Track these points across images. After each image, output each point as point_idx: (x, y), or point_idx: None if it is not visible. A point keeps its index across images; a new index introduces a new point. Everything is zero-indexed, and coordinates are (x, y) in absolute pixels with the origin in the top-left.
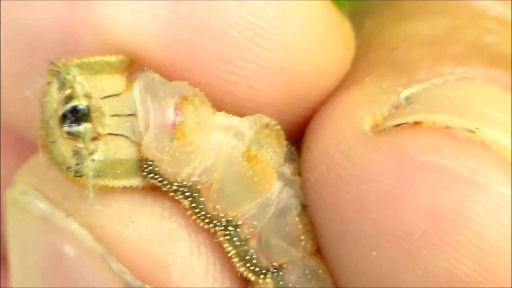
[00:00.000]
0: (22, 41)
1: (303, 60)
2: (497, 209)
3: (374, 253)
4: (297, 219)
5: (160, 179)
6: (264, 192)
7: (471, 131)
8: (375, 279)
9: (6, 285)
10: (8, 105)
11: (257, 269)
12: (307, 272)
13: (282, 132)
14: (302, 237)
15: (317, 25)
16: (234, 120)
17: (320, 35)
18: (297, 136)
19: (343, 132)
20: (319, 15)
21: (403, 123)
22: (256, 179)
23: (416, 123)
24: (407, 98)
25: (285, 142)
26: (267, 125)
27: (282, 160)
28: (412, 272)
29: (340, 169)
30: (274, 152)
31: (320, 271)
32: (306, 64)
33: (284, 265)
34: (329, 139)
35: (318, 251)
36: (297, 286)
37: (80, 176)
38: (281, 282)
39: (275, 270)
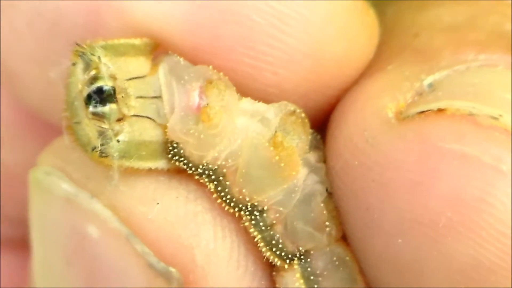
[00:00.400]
0: (44, 25)
1: (327, 47)
2: None
3: (399, 240)
4: (322, 205)
5: (185, 161)
6: (290, 178)
7: (495, 118)
8: (401, 266)
9: (27, 269)
10: (31, 89)
11: (283, 253)
12: (334, 259)
13: (307, 120)
14: (327, 223)
15: (342, 12)
16: (260, 106)
17: (344, 22)
18: (321, 123)
19: (367, 120)
20: (343, 2)
21: (427, 110)
22: (282, 164)
23: (440, 110)
24: (430, 85)
25: (310, 130)
26: (293, 112)
27: (307, 147)
28: (437, 259)
29: (365, 157)
30: (299, 139)
31: (347, 258)
32: (330, 51)
33: (312, 252)
34: (353, 127)
35: (344, 238)
36: (325, 273)
37: (105, 156)
38: (309, 269)
39: (302, 257)
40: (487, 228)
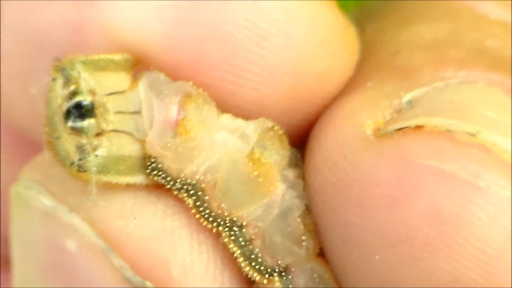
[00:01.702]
0: (29, 41)
1: (308, 64)
2: (498, 212)
3: (377, 256)
4: (298, 219)
5: (163, 175)
6: (268, 193)
7: (472, 135)
8: (379, 283)
9: (7, 285)
10: (14, 105)
11: (262, 268)
12: (315, 276)
13: (285, 136)
14: (304, 237)
15: (322, 29)
16: (240, 122)
17: (325, 39)
18: (301, 140)
19: (345, 137)
20: (324, 19)
21: (405, 127)
22: (260, 180)
23: (418, 127)
24: (409, 102)
25: (289, 147)
26: (271, 128)
27: (285, 163)
28: (415, 275)
29: (343, 174)
30: (277, 154)
31: (327, 275)
32: (310, 68)
33: (293, 269)
34: (332, 144)
35: (322, 255)
36: None
37: (83, 171)
38: (290, 286)
39: (283, 274)
40: (465, 244)
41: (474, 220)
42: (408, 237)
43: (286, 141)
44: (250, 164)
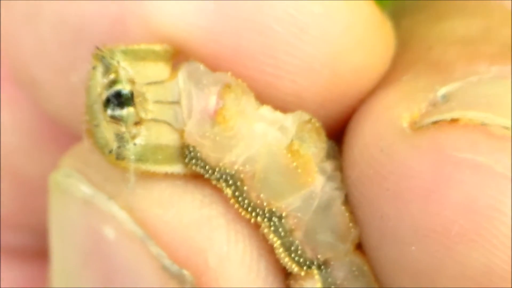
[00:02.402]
0: (69, 33)
1: (345, 57)
2: None
3: (413, 248)
4: (343, 207)
5: (202, 164)
6: (307, 184)
7: (507, 128)
8: (414, 274)
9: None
10: (52, 96)
11: (301, 260)
12: (354, 269)
13: (322, 129)
14: (351, 224)
15: (360, 23)
16: (278, 114)
17: (362, 33)
18: (338, 133)
19: (381, 130)
20: (362, 14)
21: (441, 120)
22: (299, 171)
23: (453, 120)
24: (444, 96)
25: (326, 138)
26: (308, 121)
27: (323, 155)
28: (450, 266)
29: (380, 166)
30: (315, 147)
31: (365, 268)
32: (348, 62)
33: (332, 262)
34: (368, 137)
35: (360, 247)
36: (345, 283)
37: (122, 159)
38: (329, 279)
39: (322, 266)
40: (499, 235)
41: (508, 212)
42: (443, 229)
43: (323, 134)
44: (289, 155)
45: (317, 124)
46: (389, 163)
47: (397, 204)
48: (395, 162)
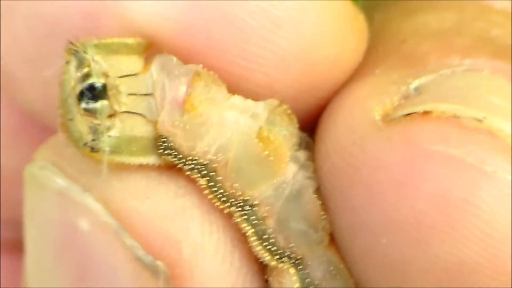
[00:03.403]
0: (43, 27)
1: (318, 50)
2: (504, 196)
3: (384, 240)
4: (314, 195)
5: (175, 153)
6: (279, 171)
7: (479, 121)
8: (385, 266)
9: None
10: (26, 90)
11: (274, 248)
12: (331, 268)
13: (293, 115)
14: (322, 213)
15: (333, 17)
16: (250, 102)
17: (335, 26)
18: (311, 126)
19: (354, 122)
20: (335, 7)
21: (413, 113)
22: (271, 158)
23: (426, 113)
24: (417, 89)
25: (297, 124)
26: (279, 105)
27: (295, 140)
28: (422, 258)
29: (352, 158)
30: (287, 130)
31: (341, 266)
32: (320, 54)
33: (309, 262)
34: (341, 129)
35: (334, 241)
36: (323, 282)
37: (97, 151)
38: (307, 280)
39: (299, 267)
40: (471, 228)
41: (480, 205)
42: (415, 221)
43: (294, 120)
44: (260, 144)
45: (288, 110)
46: (361, 155)
47: (369, 196)
48: (367, 154)
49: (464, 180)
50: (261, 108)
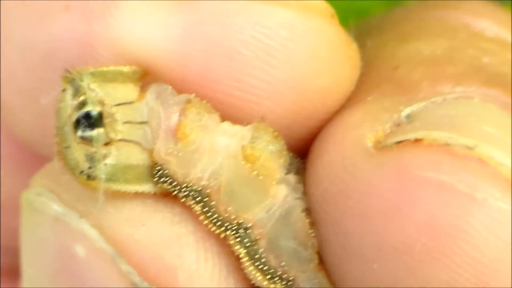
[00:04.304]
0: (37, 57)
1: (311, 80)
2: (495, 223)
3: (375, 265)
4: (303, 214)
5: (170, 181)
6: (271, 189)
7: (470, 148)
8: None
9: None
10: (23, 121)
11: (265, 268)
12: None
13: (278, 134)
14: (311, 231)
15: (326, 46)
16: (238, 127)
17: (328, 56)
18: (303, 153)
19: (346, 149)
20: (327, 36)
21: (405, 140)
22: (261, 177)
23: (417, 140)
24: (408, 116)
25: (283, 141)
26: (261, 121)
27: (284, 158)
28: (412, 284)
29: (344, 184)
30: (273, 146)
31: None
32: (313, 84)
33: (301, 284)
34: (333, 156)
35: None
36: None
37: (93, 179)
38: None
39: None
40: (462, 254)
41: (471, 231)
42: (406, 247)
43: (280, 138)
44: (248, 165)
45: (272, 129)
46: (353, 181)
47: (361, 221)
48: (359, 180)
49: (455, 206)
50: (247, 130)
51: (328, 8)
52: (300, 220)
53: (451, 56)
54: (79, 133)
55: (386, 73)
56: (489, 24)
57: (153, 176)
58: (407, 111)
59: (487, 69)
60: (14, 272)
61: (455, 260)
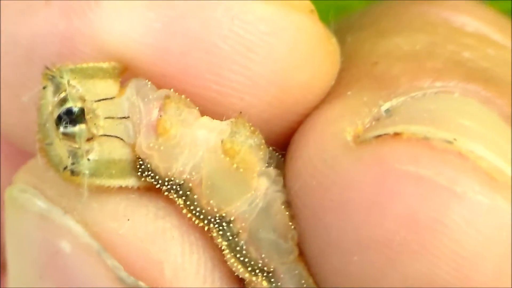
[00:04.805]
0: (19, 52)
1: (291, 75)
2: (474, 217)
3: (355, 258)
4: (282, 206)
5: (152, 175)
6: (252, 182)
7: (449, 142)
8: (356, 283)
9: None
10: (4, 115)
11: (246, 259)
12: (303, 281)
13: (256, 129)
14: (291, 223)
15: (306, 40)
16: (217, 122)
17: (308, 50)
18: (283, 147)
19: (326, 142)
20: (307, 31)
21: (384, 134)
22: (241, 170)
23: (396, 134)
24: (388, 111)
25: (260, 135)
26: (239, 116)
27: (263, 152)
28: (392, 276)
29: (323, 177)
30: (252, 140)
31: (311, 280)
32: (293, 79)
33: (282, 275)
34: (313, 149)
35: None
36: None
37: (76, 175)
38: None
39: (272, 280)
40: (441, 247)
41: (450, 224)
42: (386, 240)
43: (257, 132)
44: (227, 158)
45: (250, 124)
46: (332, 174)
47: (340, 214)
48: (338, 173)
49: (434, 200)
50: (227, 125)
51: (307, 4)
52: (280, 212)
53: (430, 51)
54: (61, 129)
55: (365, 68)
56: (469, 20)
57: (136, 170)
58: (386, 105)
59: (467, 64)
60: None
61: (434, 253)
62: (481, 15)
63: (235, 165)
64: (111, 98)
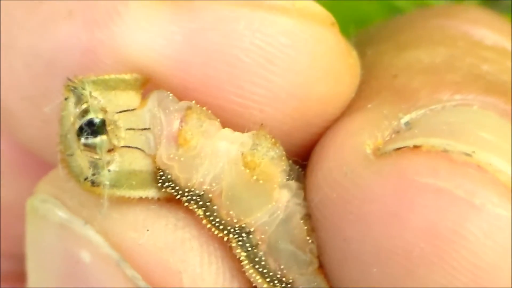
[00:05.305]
0: (41, 65)
1: (312, 87)
2: (493, 229)
3: (374, 269)
4: (301, 221)
5: (173, 185)
6: (273, 194)
7: (468, 155)
8: None
9: None
10: (27, 128)
11: (265, 270)
12: None
13: (277, 141)
14: (308, 238)
15: (327, 53)
16: (239, 133)
17: (328, 63)
18: (303, 160)
19: (346, 155)
20: (328, 43)
21: (403, 147)
22: (261, 182)
23: (416, 147)
24: (407, 124)
25: (282, 147)
26: (261, 129)
27: (285, 163)
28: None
29: (343, 190)
30: (274, 152)
31: None
32: (314, 91)
33: (300, 286)
34: (333, 162)
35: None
36: None
37: (97, 186)
38: None
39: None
40: (460, 259)
41: (469, 236)
42: (405, 251)
43: (279, 144)
44: (247, 170)
45: (271, 136)
46: (352, 187)
47: (360, 227)
48: (358, 186)
49: (453, 212)
50: (248, 137)
51: (328, 16)
52: (298, 226)
53: (450, 64)
54: (83, 140)
55: (385, 81)
56: (488, 33)
57: (156, 181)
58: (406, 118)
59: (486, 77)
60: (15, 278)
61: (453, 265)
62: (500, 27)
63: (254, 177)
64: (133, 110)
